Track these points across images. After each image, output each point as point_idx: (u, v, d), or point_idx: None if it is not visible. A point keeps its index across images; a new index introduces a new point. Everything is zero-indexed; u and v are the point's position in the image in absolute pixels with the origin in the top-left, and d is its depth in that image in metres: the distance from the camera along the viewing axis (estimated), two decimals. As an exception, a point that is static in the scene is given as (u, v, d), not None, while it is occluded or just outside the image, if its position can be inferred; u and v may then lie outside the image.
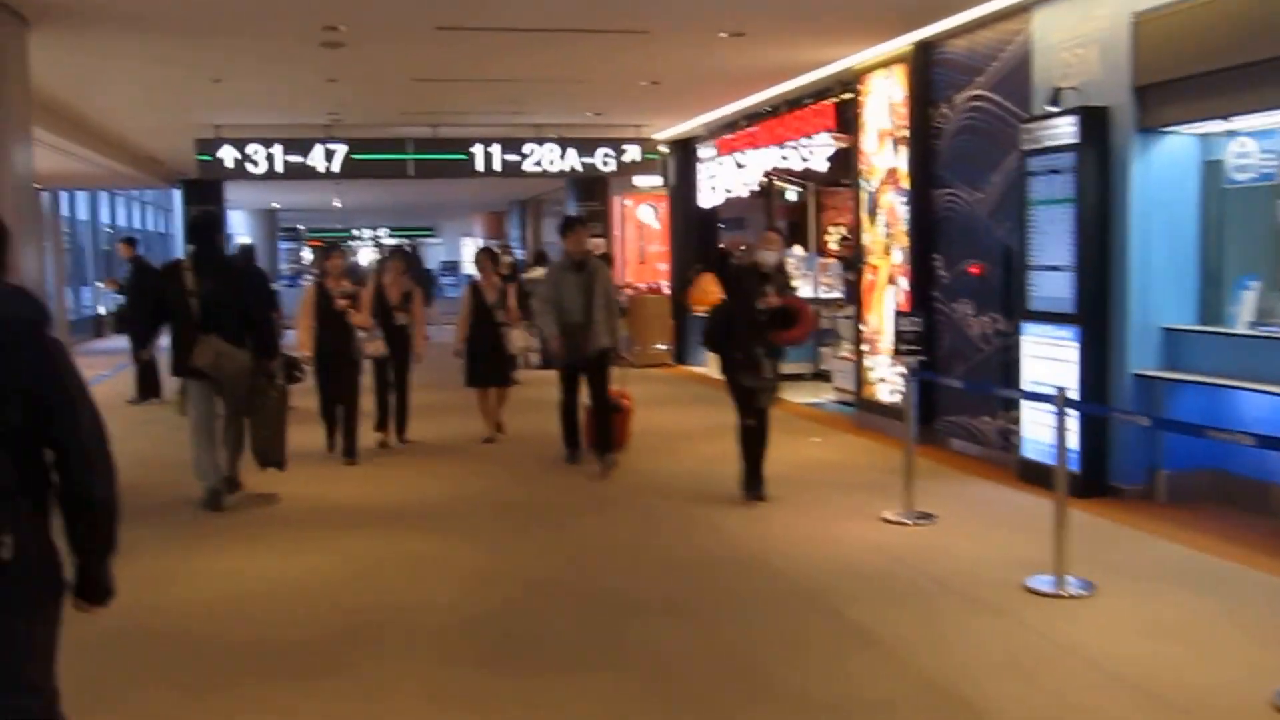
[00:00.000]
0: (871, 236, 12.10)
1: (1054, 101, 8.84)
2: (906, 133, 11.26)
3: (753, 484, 8.91)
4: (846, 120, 13.21)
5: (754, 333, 8.63)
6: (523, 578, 7.13)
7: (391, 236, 56.73)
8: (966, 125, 10.51)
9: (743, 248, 23.15)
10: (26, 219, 9.61)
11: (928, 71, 11.04)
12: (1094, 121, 8.58)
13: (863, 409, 12.43)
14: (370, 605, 6.57)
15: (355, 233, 59.03)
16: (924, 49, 11.04)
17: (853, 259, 13.11)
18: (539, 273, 18.95)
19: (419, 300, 11.56)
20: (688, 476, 9.94)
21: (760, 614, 6.32)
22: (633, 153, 18.38)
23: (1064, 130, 8.71)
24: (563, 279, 10.28)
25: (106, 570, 3.33)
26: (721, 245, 8.74)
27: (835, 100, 13.36)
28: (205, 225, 9.40)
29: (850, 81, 12.65)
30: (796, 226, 24.06)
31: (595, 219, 24.07)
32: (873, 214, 12.05)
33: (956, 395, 10.41)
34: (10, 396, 3.03)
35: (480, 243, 44.20)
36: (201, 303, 8.68)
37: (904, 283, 11.37)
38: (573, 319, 10.11)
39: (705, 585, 6.87)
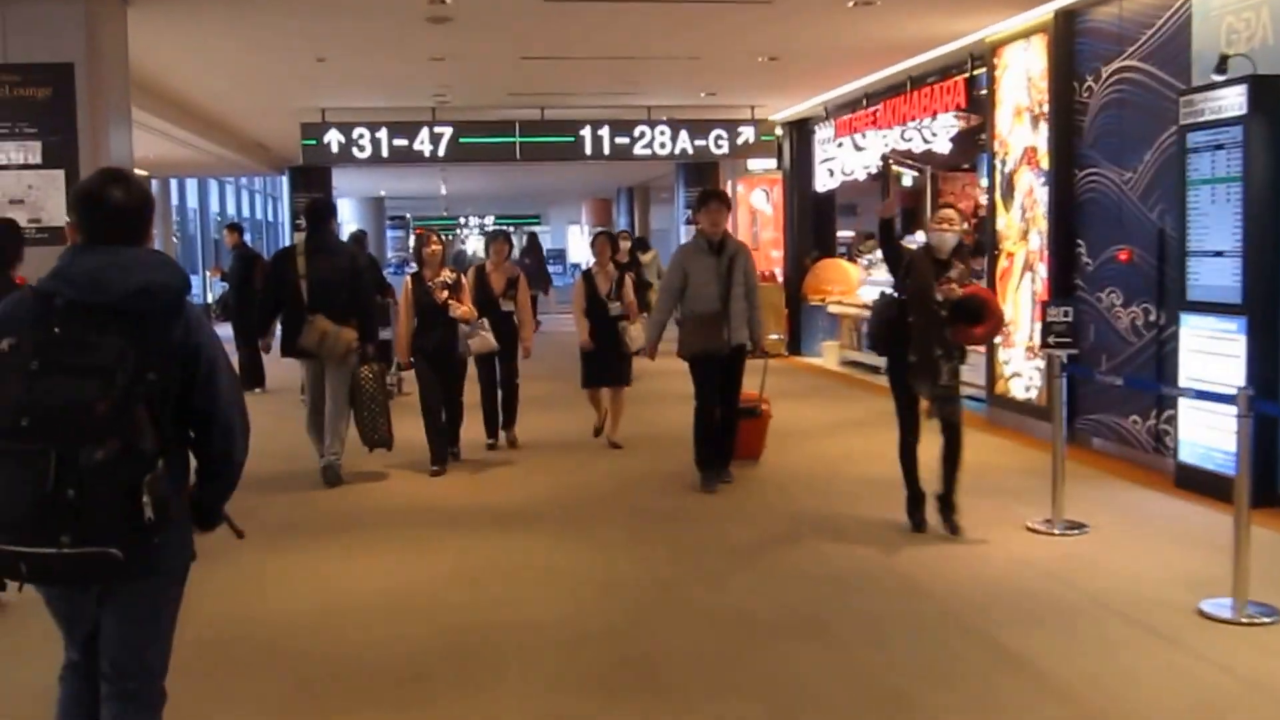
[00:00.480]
0: (1006, 220, 11.34)
1: (1220, 70, 8.04)
2: (1046, 108, 10.50)
3: (915, 510, 7.57)
4: (977, 97, 12.51)
5: (932, 330, 7.22)
6: (640, 591, 6.54)
7: (498, 224, 56.58)
8: (1114, 99, 9.72)
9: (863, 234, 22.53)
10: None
11: (1071, 42, 10.26)
12: (1266, 91, 7.76)
13: (994, 405, 11.67)
14: (474, 620, 6.04)
15: (462, 220, 59.05)
16: (1067, 18, 10.26)
17: (975, 245, 12.32)
18: (648, 257, 18.45)
19: (525, 287, 10.60)
20: (812, 478, 9.30)
21: (903, 636, 5.69)
22: (747, 134, 17.78)
23: (1231, 101, 7.91)
24: (695, 262, 8.84)
25: (221, 508, 3.53)
26: (889, 213, 7.50)
27: (966, 75, 12.62)
28: (318, 210, 9.60)
29: (982, 55, 11.91)
30: (912, 213, 23.35)
31: (695, 205, 23.49)
32: (1007, 196, 11.30)
33: (1101, 392, 9.67)
34: (156, 360, 3.13)
35: (587, 229, 43.91)
36: (310, 285, 8.99)
37: (1043, 270, 10.61)
38: (707, 308, 8.68)
39: (838, 601, 6.25)
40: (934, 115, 13.56)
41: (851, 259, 19.33)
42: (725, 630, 5.83)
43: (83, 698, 3.47)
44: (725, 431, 9.01)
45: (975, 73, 12.58)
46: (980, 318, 7.28)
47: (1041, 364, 10.32)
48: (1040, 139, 10.62)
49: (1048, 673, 5.12)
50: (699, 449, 8.90)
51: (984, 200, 20.57)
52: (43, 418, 2.99)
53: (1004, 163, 11.38)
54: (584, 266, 11.42)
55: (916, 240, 17.66)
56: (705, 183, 23.30)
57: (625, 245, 15.77)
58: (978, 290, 7.48)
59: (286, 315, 9.20)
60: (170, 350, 3.20)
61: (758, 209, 21.05)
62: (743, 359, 8.94)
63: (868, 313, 15.88)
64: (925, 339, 7.22)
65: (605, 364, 10.48)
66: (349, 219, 38.14)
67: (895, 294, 7.58)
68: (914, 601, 6.22)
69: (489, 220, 58.07)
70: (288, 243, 25.92)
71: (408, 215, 54.84)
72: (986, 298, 7.51)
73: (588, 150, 17.59)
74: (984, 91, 12.04)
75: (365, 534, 7.86)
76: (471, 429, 10.33)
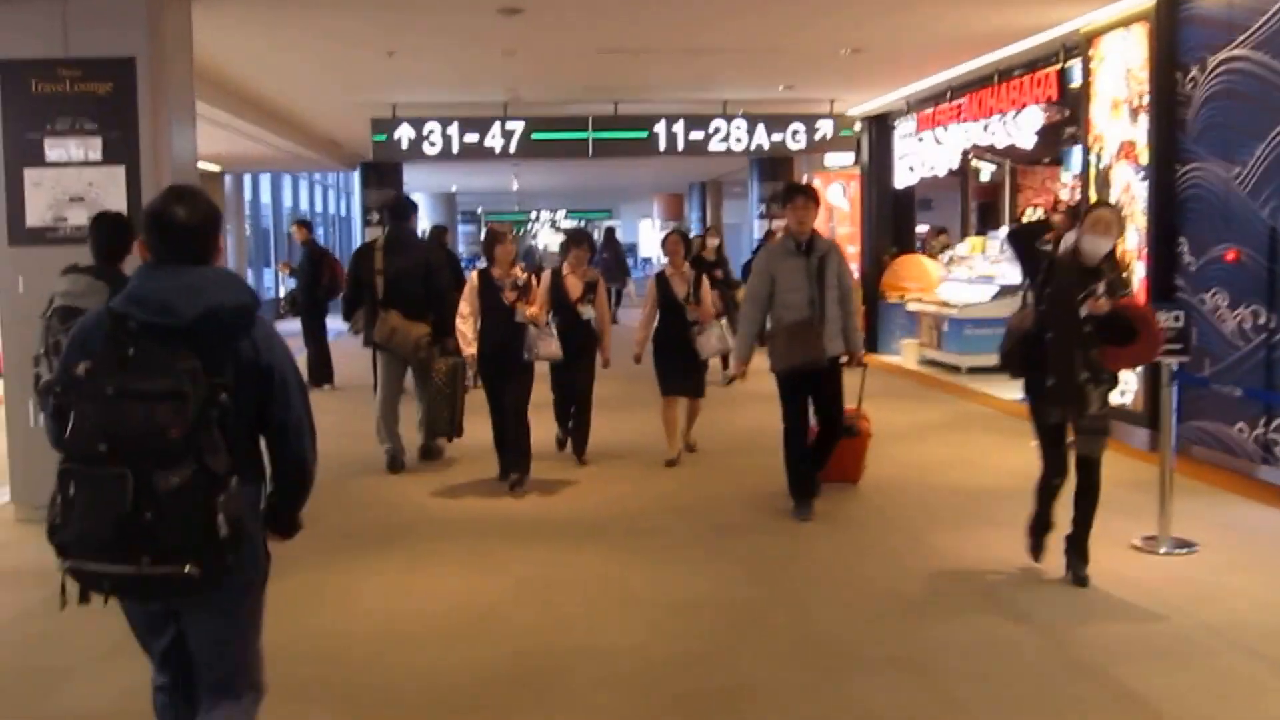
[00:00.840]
0: (1101, 217, 10.83)
1: (1343, 58, 7.54)
2: (1146, 100, 9.99)
3: (1038, 535, 6.61)
4: (1068, 89, 12.02)
5: (1075, 350, 6.22)
6: (719, 614, 6.14)
7: (569, 219, 56.34)
8: (1222, 90, 9.19)
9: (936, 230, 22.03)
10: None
11: (1174, 31, 9.73)
12: (1394, 81, 7.27)
13: (1087, 410, 11.17)
14: (541, 643, 5.71)
15: (533, 215, 58.87)
16: (1170, 5, 9.73)
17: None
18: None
19: (603, 291, 9.89)
20: (898, 488, 8.85)
21: (1005, 668, 5.27)
22: (825, 129, 17.35)
23: (1354, 92, 7.42)
24: (782, 266, 7.92)
25: (298, 513, 3.63)
26: (1044, 212, 6.57)
27: (1059, 67, 12.13)
28: (399, 208, 10.00)
29: (1077, 45, 11.40)
30: (990, 208, 22.79)
31: (779, 199, 23.15)
32: (1102, 191, 10.79)
33: (1201, 397, 9.16)
34: (228, 381, 3.21)
35: (658, 224, 43.60)
36: (386, 281, 9.37)
37: (1141, 269, 10.10)
38: (797, 316, 7.79)
39: (933, 629, 5.84)
40: (1022, 108, 13.08)
41: (926, 255, 18.90)
42: (812, 660, 5.45)
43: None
44: (823, 449, 8.13)
45: (1067, 64, 12.08)
46: (1130, 337, 6.20)
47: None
48: (1139, 132, 10.12)
49: (1174, 718, 4.69)
50: (792, 475, 8.08)
51: (1065, 195, 20.16)
52: (119, 442, 3.06)
53: (1099, 157, 10.87)
54: (655, 264, 10.83)
55: (998, 237, 17.28)
56: (780, 177, 22.91)
57: (713, 244, 15.08)
58: (1131, 304, 6.39)
59: (367, 308, 9.65)
60: (241, 369, 3.29)
61: (835, 205, 20.62)
62: (839, 371, 8.03)
63: (947, 310, 15.58)
64: (1065, 359, 6.22)
65: (682, 371, 9.81)
66: (420, 214, 38.03)
67: (1030, 304, 6.50)
68: (1016, 628, 5.80)
69: (560, 215, 57.83)
70: (359, 238, 25.95)
71: (479, 210, 54.77)
72: (1141, 313, 6.41)
73: (661, 145, 17.26)
74: (1074, 84, 11.55)
75: (426, 545, 7.55)
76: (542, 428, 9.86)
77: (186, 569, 3.10)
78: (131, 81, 8.08)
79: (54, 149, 8.11)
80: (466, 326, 8.81)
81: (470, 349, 8.83)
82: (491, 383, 8.95)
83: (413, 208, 10.16)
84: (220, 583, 3.21)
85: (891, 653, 5.51)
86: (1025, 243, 6.71)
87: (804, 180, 21.37)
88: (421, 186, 35.24)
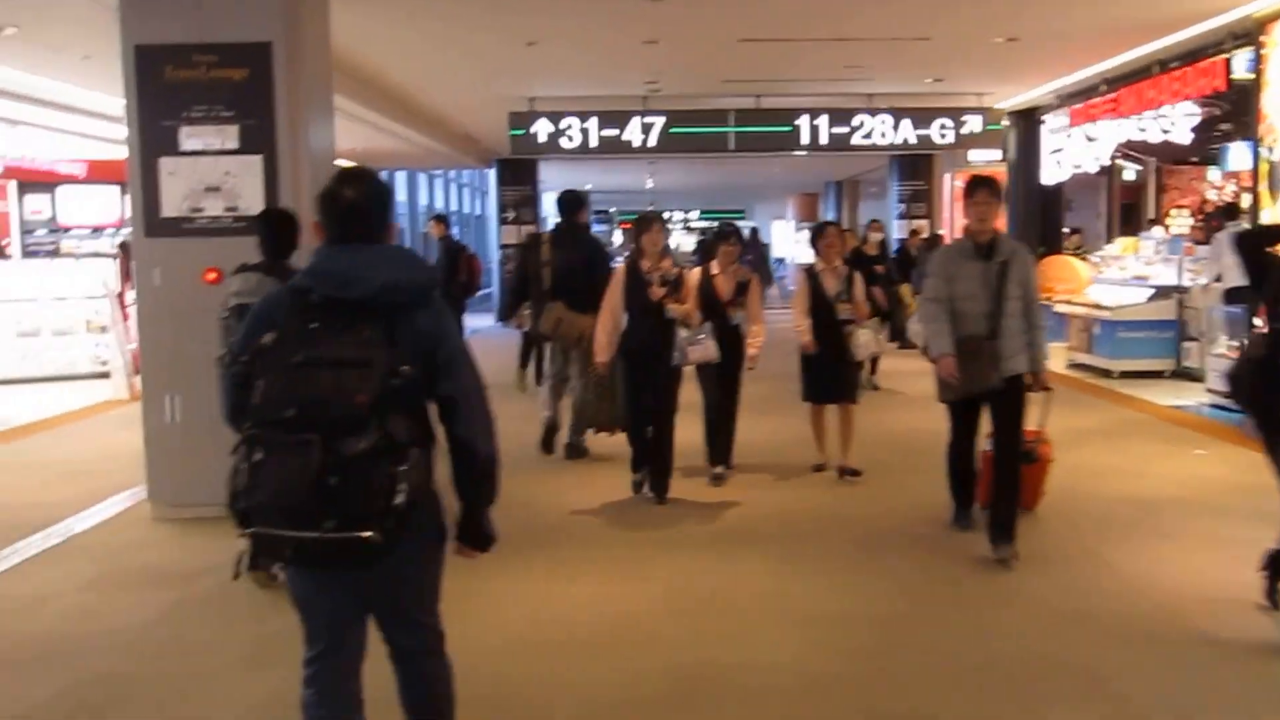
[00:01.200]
0: (1272, 213, 10.23)
1: None
2: (1327, 89, 9.41)
3: (1275, 581, 5.55)
4: (1233, 80, 11.44)
5: None
6: (878, 630, 5.77)
7: (702, 219, 56.06)
8: None
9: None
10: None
11: (1360, 13, 9.16)
12: None
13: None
14: (690, 658, 5.38)
15: (665, 215, 58.72)
16: (1356, -14, 9.17)
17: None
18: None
19: (757, 292, 9.15)
20: (1060, 497, 8.17)
21: (1201, 697, 4.85)
22: (973, 124, 16.78)
23: None
24: (959, 269, 6.96)
25: (488, 519, 3.62)
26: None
27: (1226, 56, 11.52)
28: (570, 202, 10.11)
29: (1247, 32, 10.79)
30: (1131, 209, 22.00)
31: (919, 199, 22.69)
32: (1275, 187, 10.19)
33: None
34: (408, 353, 3.27)
35: (793, 225, 43.10)
36: (553, 272, 9.62)
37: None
38: (971, 330, 6.83)
39: (1117, 651, 5.38)
40: (1185, 100, 12.48)
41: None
42: (984, 684, 5.05)
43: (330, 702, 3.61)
44: (1005, 486, 6.96)
45: (1235, 52, 11.45)
46: None
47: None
48: (1319, 123, 9.53)
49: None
50: (953, 484, 7.53)
51: (1211, 195, 19.35)
52: (307, 409, 3.13)
53: (1270, 150, 10.27)
54: (789, 265, 10.31)
55: (1152, 238, 16.55)
56: (920, 175, 22.47)
57: (876, 238, 14.37)
58: None
59: (534, 299, 9.90)
60: (418, 341, 3.35)
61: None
62: (1021, 393, 6.91)
63: (1099, 313, 14.94)
64: None
65: (832, 375, 9.05)
66: (553, 213, 38.12)
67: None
68: (1207, 651, 5.34)
69: (693, 215, 57.58)
70: (495, 237, 26.03)
71: (612, 210, 54.82)
72: None
73: (804, 140, 16.88)
74: (1240, 75, 10.96)
75: (570, 551, 7.26)
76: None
77: (367, 535, 3.13)
78: (268, 68, 7.89)
79: (189, 138, 7.96)
80: (603, 331, 8.29)
81: (601, 357, 8.31)
82: (635, 386, 8.39)
83: (581, 202, 10.28)
84: (395, 549, 3.23)
85: (1078, 679, 5.09)
86: (1257, 242, 5.66)
87: (944, 178, 20.85)
88: (556, 184, 35.13)
